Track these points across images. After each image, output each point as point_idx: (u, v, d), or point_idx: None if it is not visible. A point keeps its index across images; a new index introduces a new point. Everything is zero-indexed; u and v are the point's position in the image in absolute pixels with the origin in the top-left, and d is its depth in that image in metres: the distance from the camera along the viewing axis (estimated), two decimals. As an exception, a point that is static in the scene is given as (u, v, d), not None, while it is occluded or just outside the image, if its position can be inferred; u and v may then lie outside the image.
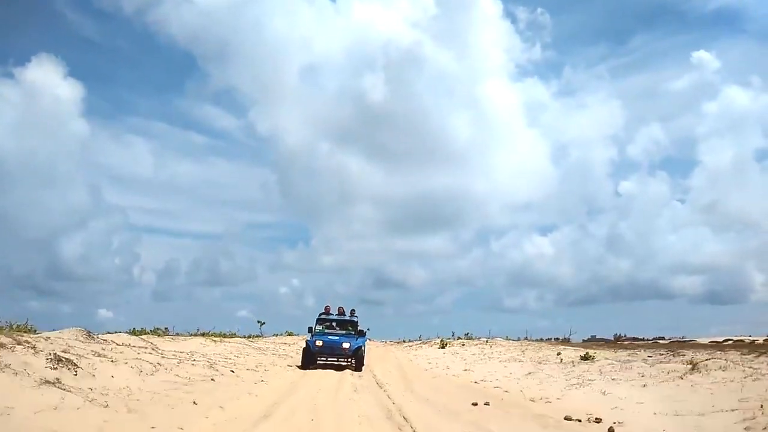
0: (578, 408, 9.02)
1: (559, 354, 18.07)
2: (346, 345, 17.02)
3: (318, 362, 17.25)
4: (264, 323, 37.59)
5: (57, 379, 7.56)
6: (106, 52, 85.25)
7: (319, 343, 17.09)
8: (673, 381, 10.41)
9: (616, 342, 59.13)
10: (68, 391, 7.22)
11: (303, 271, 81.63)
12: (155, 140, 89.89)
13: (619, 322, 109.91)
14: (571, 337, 60.44)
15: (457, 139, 72.67)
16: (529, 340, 38.92)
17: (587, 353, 16.81)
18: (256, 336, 33.29)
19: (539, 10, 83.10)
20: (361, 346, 17.31)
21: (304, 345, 17.67)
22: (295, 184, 77.46)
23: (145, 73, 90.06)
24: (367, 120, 73.77)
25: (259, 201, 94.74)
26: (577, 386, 11.72)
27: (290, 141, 77.32)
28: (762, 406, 7.60)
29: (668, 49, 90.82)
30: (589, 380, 12.12)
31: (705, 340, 46.05)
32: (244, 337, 30.22)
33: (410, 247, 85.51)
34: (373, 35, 73.85)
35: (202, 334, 25.76)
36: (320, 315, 18.50)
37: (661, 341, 52.13)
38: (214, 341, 22.22)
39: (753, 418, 7.26)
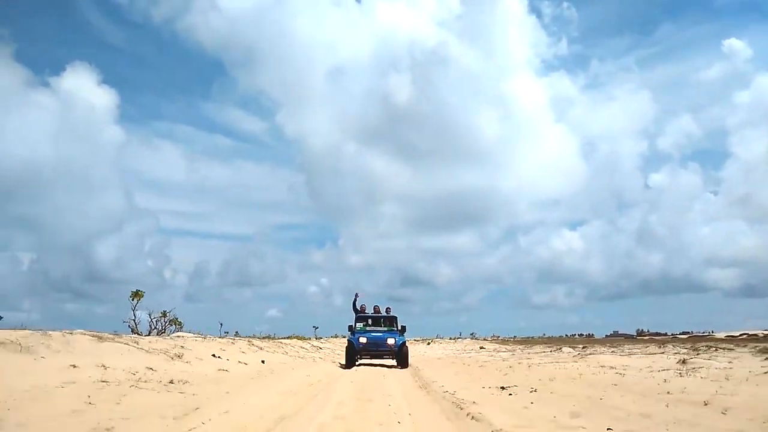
0: (432, 354, 28.40)
1: (480, 347, 33.06)
2: (390, 341, 16.43)
3: (361, 361, 16.83)
4: (318, 327, 43.01)
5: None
6: (137, 60, 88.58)
7: (363, 340, 16.34)
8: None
9: (636, 337, 62.22)
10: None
11: (331, 271, 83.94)
12: (184, 144, 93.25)
13: (651, 317, 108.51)
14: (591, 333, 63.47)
15: (484, 136, 73.15)
16: (527, 340, 43.47)
17: (482, 346, 33.30)
18: (320, 338, 38.60)
19: (565, 4, 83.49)
20: (404, 342, 16.82)
21: (347, 344, 17.02)
22: (323, 185, 79.26)
23: (174, 79, 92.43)
24: (393, 120, 74.74)
25: (287, 202, 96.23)
26: (444, 350, 31.57)
27: (317, 142, 78.07)
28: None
29: (697, 38, 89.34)
30: (454, 352, 30.03)
31: (722, 335, 49.59)
32: (316, 338, 35.72)
33: (437, 245, 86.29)
34: (399, 36, 74.94)
35: (297, 337, 31.58)
36: (358, 314, 17.74)
37: (681, 336, 55.38)
38: (323, 342, 32.24)
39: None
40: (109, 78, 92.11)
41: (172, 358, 9.56)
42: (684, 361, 11.58)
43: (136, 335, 13.78)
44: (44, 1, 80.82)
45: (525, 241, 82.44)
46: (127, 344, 9.33)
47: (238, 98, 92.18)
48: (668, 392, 7.38)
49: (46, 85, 74.78)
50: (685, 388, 7.66)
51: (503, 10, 74.08)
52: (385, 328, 17.13)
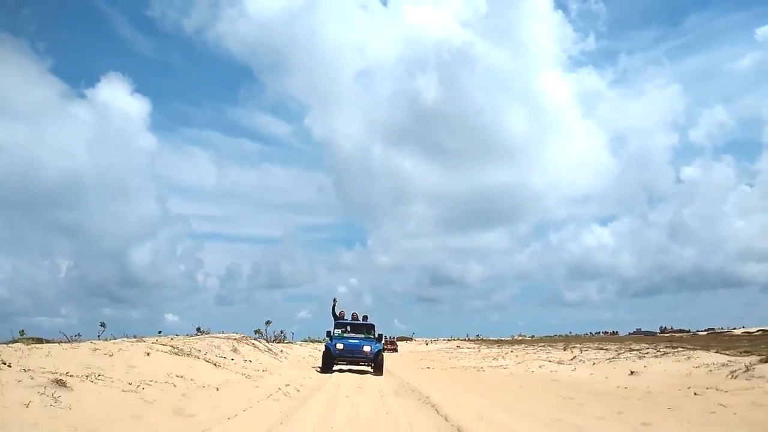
0: (420, 350, 44.13)
1: (457, 346, 40.67)
2: (366, 348, 16.80)
3: (337, 366, 17.02)
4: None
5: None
6: (168, 70, 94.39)
7: (339, 346, 16.69)
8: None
9: (657, 335, 65.30)
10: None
11: (360, 271, 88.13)
12: (213, 150, 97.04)
13: (685, 313, 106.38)
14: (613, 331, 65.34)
15: (512, 134, 76.30)
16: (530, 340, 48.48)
17: (458, 345, 42.09)
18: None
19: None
20: (381, 350, 17.23)
21: (324, 349, 17.42)
22: (351, 186, 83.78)
23: (204, 86, 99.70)
24: (421, 120, 78.39)
25: (316, 204, 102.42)
26: (433, 348, 45.43)
27: (345, 144, 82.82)
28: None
29: (728, 27, 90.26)
30: (437, 349, 42.42)
31: (740, 331, 53.24)
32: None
33: (467, 244, 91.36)
34: (425, 37, 78.12)
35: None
36: (337, 320, 18.16)
37: (701, 333, 58.89)
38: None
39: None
40: (141, 87, 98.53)
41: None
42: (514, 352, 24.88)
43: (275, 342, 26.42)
44: (77, 15, 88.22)
45: (555, 237, 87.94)
46: (301, 346, 18.60)
47: (266, 103, 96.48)
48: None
49: (82, 96, 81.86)
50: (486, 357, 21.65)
51: (529, 7, 78.73)
52: (362, 336, 17.47)
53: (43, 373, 6.66)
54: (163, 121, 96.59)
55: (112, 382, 7.38)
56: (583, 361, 15.31)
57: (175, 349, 11.76)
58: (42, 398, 5.71)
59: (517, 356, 20.73)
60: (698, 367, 11.30)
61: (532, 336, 58.42)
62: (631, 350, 16.91)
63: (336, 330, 17.46)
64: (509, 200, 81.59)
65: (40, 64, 77.92)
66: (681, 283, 79.70)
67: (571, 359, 16.33)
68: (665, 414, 7.04)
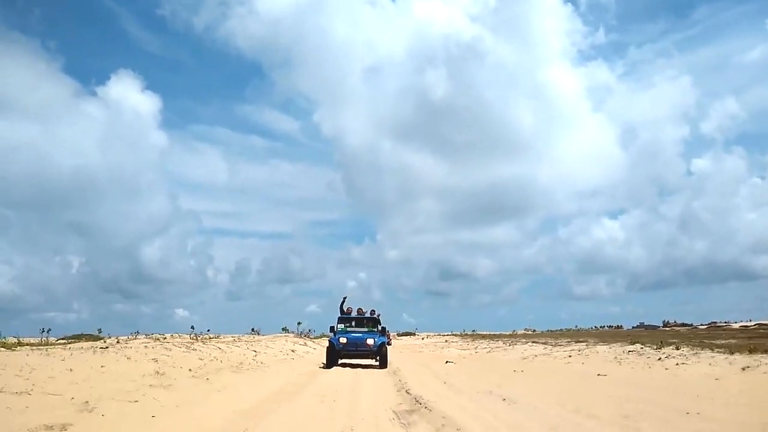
0: (413, 344, 45.78)
1: (445, 341, 45.88)
2: (370, 341, 17.09)
3: (342, 361, 17.30)
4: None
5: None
6: (178, 67, 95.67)
7: (343, 340, 16.96)
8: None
9: (659, 329, 67.86)
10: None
11: (370, 266, 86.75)
12: (223, 146, 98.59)
13: (696, 306, 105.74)
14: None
15: (521, 128, 76.02)
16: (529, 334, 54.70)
17: (446, 340, 47.07)
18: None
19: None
20: (384, 343, 17.50)
21: (328, 344, 17.74)
22: (360, 182, 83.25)
23: (213, 83, 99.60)
24: (430, 115, 78.63)
25: (325, 199, 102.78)
26: (425, 342, 47.15)
27: (354, 140, 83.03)
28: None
29: (737, 18, 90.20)
30: (427, 343, 46.27)
31: (737, 325, 57.67)
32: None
33: (476, 239, 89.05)
34: (434, 32, 78.34)
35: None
36: (342, 315, 18.42)
37: (700, 327, 62.98)
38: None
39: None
40: (152, 84, 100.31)
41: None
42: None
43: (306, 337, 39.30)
44: (87, 14, 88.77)
45: (564, 231, 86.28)
46: (327, 339, 30.81)
47: (275, 99, 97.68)
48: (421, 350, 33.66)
49: (93, 94, 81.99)
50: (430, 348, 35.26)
51: (538, 1, 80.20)
52: (366, 329, 17.78)
53: (280, 350, 21.33)
54: (173, 118, 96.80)
55: (298, 354, 22.70)
56: (484, 347, 24.53)
57: (297, 342, 26.21)
58: (290, 356, 21.25)
59: (451, 345, 33.94)
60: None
61: (534, 330, 59.94)
62: (558, 344, 24.84)
63: (339, 325, 18.11)
64: (518, 194, 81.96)
65: (51, 63, 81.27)
66: (692, 277, 78.06)
67: (485, 348, 25.51)
68: (469, 364, 19.43)
